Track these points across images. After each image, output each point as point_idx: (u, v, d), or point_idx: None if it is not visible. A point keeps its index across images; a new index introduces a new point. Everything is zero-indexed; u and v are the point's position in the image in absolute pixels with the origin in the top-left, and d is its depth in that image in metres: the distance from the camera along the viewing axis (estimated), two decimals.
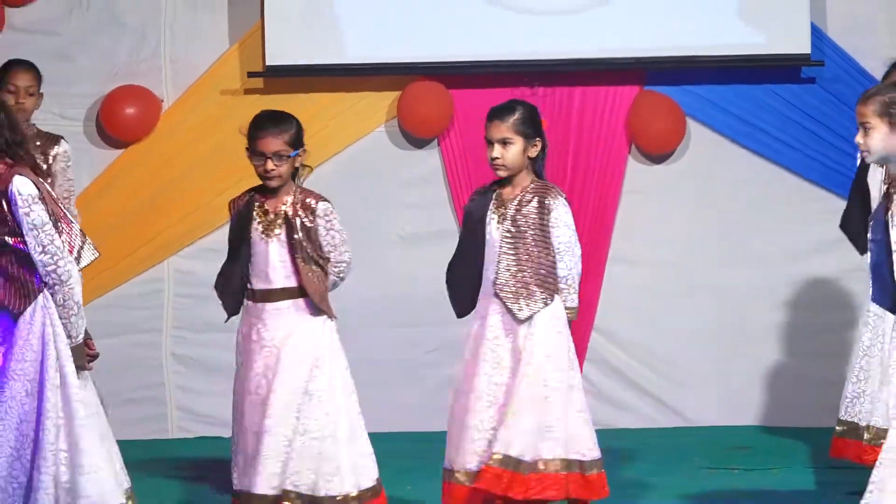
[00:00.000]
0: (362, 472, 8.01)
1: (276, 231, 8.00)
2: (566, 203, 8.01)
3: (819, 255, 10.50)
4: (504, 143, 7.91)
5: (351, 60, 10.51)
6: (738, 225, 10.61)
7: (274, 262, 7.99)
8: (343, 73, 10.54)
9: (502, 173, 7.97)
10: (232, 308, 8.20)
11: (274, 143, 7.94)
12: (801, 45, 10.39)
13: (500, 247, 8.00)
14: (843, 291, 10.49)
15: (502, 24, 10.43)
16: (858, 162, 9.00)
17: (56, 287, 7.10)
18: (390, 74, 10.54)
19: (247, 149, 8.00)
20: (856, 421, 8.92)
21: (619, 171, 10.54)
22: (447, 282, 8.26)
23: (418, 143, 10.59)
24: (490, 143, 7.98)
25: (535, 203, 7.97)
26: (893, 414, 7.12)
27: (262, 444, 7.91)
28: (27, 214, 7.04)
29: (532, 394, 7.94)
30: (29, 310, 7.15)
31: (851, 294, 10.34)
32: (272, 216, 8.06)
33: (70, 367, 7.15)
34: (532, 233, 7.98)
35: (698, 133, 10.60)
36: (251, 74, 10.52)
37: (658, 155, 10.61)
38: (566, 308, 8.00)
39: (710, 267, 10.58)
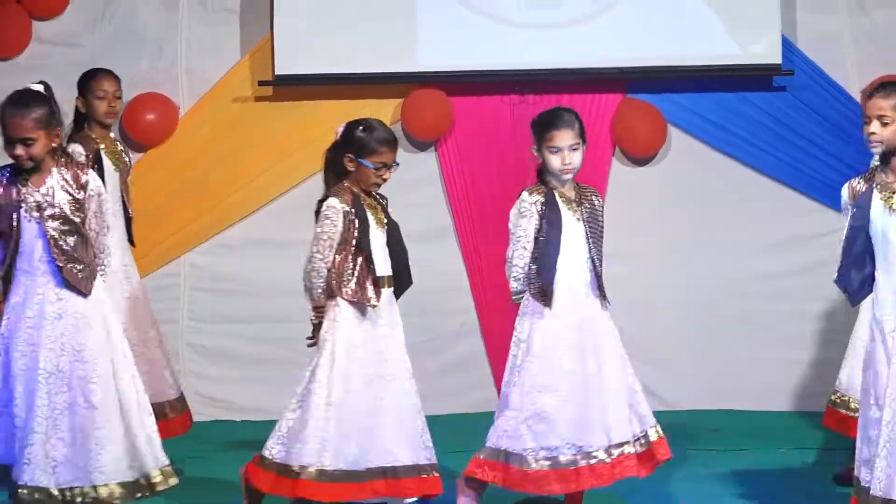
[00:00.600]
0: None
1: None
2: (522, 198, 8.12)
3: (787, 249, 10.53)
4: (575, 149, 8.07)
5: (356, 70, 10.48)
6: (714, 222, 10.61)
7: None
8: (348, 81, 10.52)
9: None
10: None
11: None
12: (772, 56, 10.42)
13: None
14: (810, 283, 10.38)
15: (497, 37, 10.43)
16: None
17: (101, 259, 7.60)
18: (393, 83, 10.56)
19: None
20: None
21: (603, 173, 10.54)
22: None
23: (419, 146, 10.60)
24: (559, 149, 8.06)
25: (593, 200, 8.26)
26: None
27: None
28: (99, 195, 7.53)
29: None
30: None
31: (817, 286, 10.20)
32: None
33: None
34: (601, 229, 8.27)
35: (678, 138, 10.64)
36: (261, 83, 10.51)
37: (641, 158, 10.66)
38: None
39: (688, 261, 10.61)
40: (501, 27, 10.47)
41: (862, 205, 7.44)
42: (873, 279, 7.41)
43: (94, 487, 7.51)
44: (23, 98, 7.50)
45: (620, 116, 10.58)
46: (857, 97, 10.34)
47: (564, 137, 8.02)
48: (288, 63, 10.44)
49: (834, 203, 10.11)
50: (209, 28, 10.62)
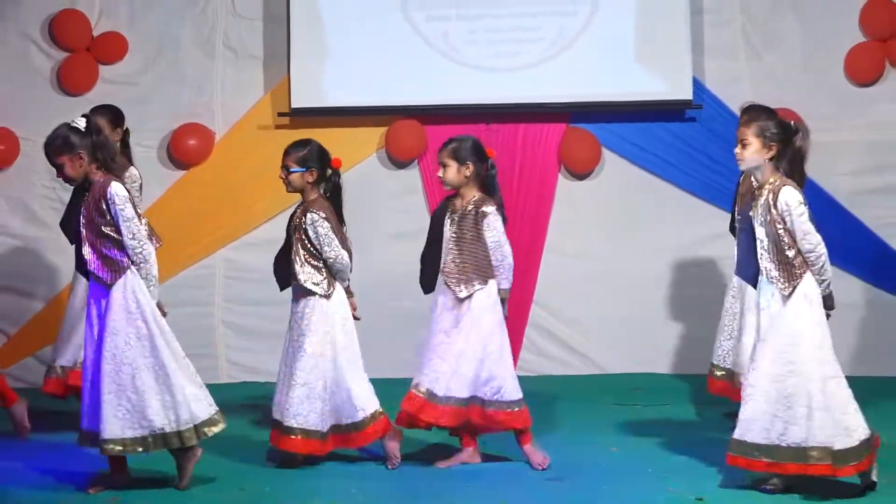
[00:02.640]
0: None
1: None
2: (496, 212, 7.98)
3: (697, 247, 10.56)
4: (444, 165, 8.00)
5: (352, 104, 10.53)
6: (639, 224, 10.64)
7: None
8: (346, 113, 10.54)
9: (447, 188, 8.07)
10: None
11: None
12: (685, 93, 10.43)
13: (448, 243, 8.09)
14: (715, 273, 10.43)
15: (464, 78, 10.50)
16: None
17: (141, 264, 7.39)
18: (380, 115, 10.56)
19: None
20: (732, 368, 8.85)
21: (551, 185, 10.60)
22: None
23: (401, 164, 10.66)
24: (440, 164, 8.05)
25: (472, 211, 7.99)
26: (749, 361, 7.46)
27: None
28: (122, 210, 7.32)
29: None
30: (119, 281, 7.37)
31: (721, 275, 10.28)
32: None
33: (161, 319, 7.48)
34: (471, 234, 8.00)
35: (610, 158, 10.65)
36: (280, 114, 10.55)
37: (581, 174, 10.67)
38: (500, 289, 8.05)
39: (618, 256, 10.60)
40: (468, 70, 10.51)
41: (744, 214, 7.60)
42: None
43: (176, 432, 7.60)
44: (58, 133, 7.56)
45: (565, 142, 10.59)
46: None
47: (441, 156, 8.07)
48: (301, 99, 10.50)
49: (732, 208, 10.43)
50: (238, 71, 10.66)
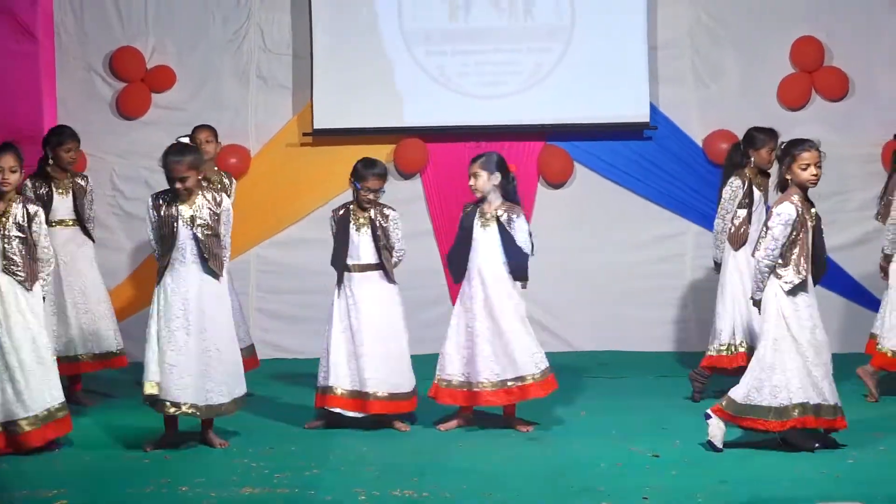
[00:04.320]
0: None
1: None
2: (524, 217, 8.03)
3: (653, 244, 10.53)
4: (475, 175, 8.01)
5: (366, 125, 10.48)
6: (605, 226, 10.60)
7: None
8: (361, 133, 10.46)
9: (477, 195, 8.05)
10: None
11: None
12: (643, 116, 10.39)
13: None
14: (668, 267, 10.48)
15: (458, 104, 10.47)
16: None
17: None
18: (389, 134, 10.51)
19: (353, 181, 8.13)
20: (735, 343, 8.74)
21: (532, 194, 10.54)
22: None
23: (406, 176, 10.61)
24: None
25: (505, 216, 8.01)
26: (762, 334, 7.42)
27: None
28: (230, 216, 7.67)
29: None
30: (224, 271, 7.70)
31: (675, 270, 10.35)
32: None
33: None
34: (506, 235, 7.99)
35: (581, 171, 10.62)
36: (305, 134, 10.50)
37: (556, 184, 10.64)
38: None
39: (587, 252, 10.58)
40: (462, 97, 10.49)
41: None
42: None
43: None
44: (180, 148, 7.57)
45: (542, 157, 10.58)
46: (700, 145, 10.42)
47: (473, 168, 8.05)
48: (322, 121, 10.46)
49: (684, 213, 10.37)
50: (269, 97, 10.61)
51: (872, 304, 9.62)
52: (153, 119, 10.44)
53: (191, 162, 7.50)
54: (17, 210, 7.54)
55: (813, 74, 10.53)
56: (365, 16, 10.51)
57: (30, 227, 7.55)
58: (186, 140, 7.67)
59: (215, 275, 7.62)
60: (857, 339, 9.65)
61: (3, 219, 7.52)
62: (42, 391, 7.55)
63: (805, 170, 7.34)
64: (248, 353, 9.16)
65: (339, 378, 8.11)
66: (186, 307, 7.56)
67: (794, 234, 7.29)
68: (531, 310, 10.29)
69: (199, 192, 7.61)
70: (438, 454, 7.66)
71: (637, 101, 10.46)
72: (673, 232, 10.56)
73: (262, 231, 10.66)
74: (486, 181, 8.02)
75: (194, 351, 7.58)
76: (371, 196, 8.08)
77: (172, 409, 7.59)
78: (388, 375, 8.11)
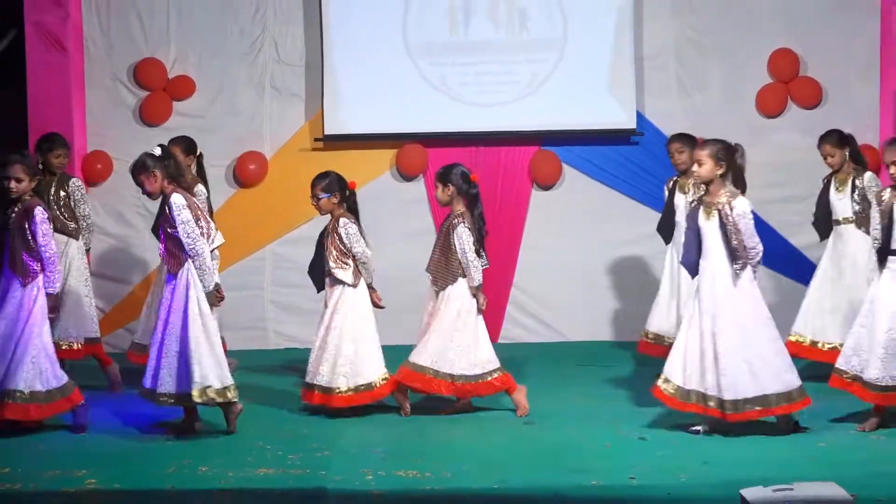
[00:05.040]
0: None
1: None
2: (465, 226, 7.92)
3: (638, 242, 10.46)
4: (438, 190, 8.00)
5: (371, 132, 10.47)
6: (594, 224, 10.57)
7: None
8: (367, 138, 10.46)
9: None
10: None
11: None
12: (631, 123, 10.42)
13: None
14: (653, 262, 10.29)
15: (458, 111, 10.47)
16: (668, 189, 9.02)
17: (194, 258, 7.44)
18: (392, 140, 10.51)
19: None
20: (662, 334, 9.03)
21: (526, 195, 10.58)
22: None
23: (409, 179, 10.62)
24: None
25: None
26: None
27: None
28: (178, 215, 7.41)
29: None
30: (180, 271, 7.45)
31: (661, 266, 9.83)
32: None
33: (204, 304, 7.48)
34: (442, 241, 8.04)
35: (571, 173, 10.61)
36: (316, 139, 10.49)
37: (548, 185, 10.61)
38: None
39: (578, 249, 10.55)
40: (461, 105, 10.50)
41: (692, 214, 7.54)
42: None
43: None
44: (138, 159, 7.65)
45: (535, 160, 10.57)
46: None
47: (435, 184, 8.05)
48: (332, 127, 10.46)
49: None
50: (283, 106, 10.59)
51: None
52: (174, 125, 10.37)
53: (139, 169, 7.61)
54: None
55: (789, 84, 10.56)
56: (372, 30, 10.51)
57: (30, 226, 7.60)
58: (159, 151, 7.66)
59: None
60: None
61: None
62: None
63: None
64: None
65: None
66: (165, 302, 7.60)
67: None
68: (527, 303, 10.46)
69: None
70: (440, 437, 7.67)
71: (625, 109, 10.49)
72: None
73: (277, 230, 10.67)
74: (441, 192, 8.07)
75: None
76: (314, 203, 8.13)
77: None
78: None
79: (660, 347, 8.99)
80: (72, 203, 8.91)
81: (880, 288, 7.55)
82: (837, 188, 8.82)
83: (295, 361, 9.67)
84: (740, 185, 7.47)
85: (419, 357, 8.03)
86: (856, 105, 10.44)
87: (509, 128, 10.54)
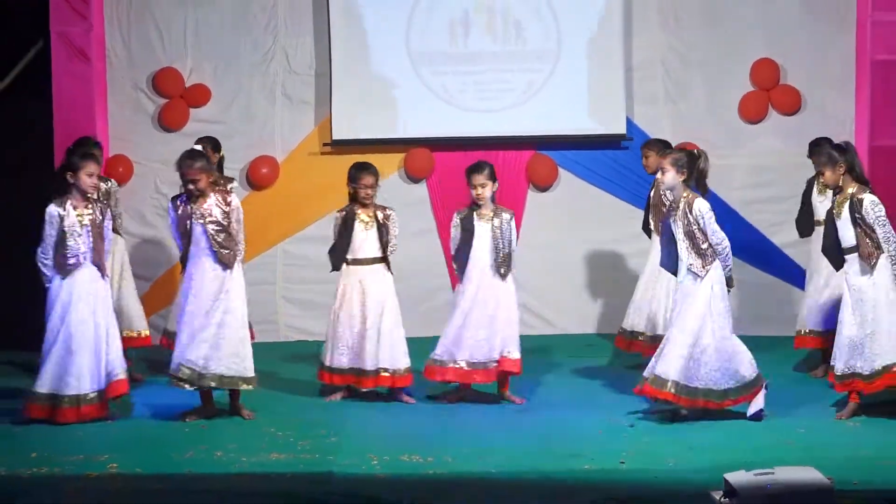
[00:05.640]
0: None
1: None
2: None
3: (628, 240, 10.35)
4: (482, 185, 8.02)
5: (378, 136, 10.44)
6: (585, 223, 10.53)
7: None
8: (374, 143, 10.40)
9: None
10: None
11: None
12: (620, 128, 10.39)
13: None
14: (644, 260, 9.72)
15: (459, 118, 10.44)
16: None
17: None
18: (399, 145, 10.49)
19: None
20: (637, 330, 9.01)
21: (523, 196, 10.55)
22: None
23: (415, 181, 10.58)
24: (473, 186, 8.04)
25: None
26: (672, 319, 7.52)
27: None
28: (240, 215, 7.71)
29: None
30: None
31: (644, 263, 9.74)
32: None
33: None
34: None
35: (565, 176, 10.60)
36: (325, 144, 10.46)
37: (544, 187, 10.59)
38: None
39: (571, 246, 10.55)
40: (462, 112, 10.47)
41: (665, 222, 7.58)
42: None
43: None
44: (191, 153, 7.69)
45: (531, 164, 10.55)
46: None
47: (478, 178, 8.07)
48: (340, 133, 10.43)
49: None
50: (293, 112, 10.55)
51: None
52: (191, 131, 10.30)
53: (202, 166, 7.58)
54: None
55: (770, 92, 10.51)
56: (377, 41, 10.48)
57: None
58: (199, 147, 7.71)
59: (225, 265, 7.65)
60: None
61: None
62: None
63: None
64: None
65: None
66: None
67: None
68: (524, 298, 10.37)
69: (211, 193, 7.66)
70: (441, 424, 7.69)
71: (615, 115, 10.46)
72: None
73: (288, 229, 10.64)
74: (491, 190, 8.12)
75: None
76: (370, 192, 8.07)
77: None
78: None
79: (633, 343, 9.04)
80: (112, 202, 8.93)
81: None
82: (820, 191, 8.77)
83: (305, 353, 9.65)
84: (702, 188, 7.49)
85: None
86: (832, 111, 10.42)
87: (506, 133, 10.51)
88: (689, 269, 7.42)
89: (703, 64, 10.56)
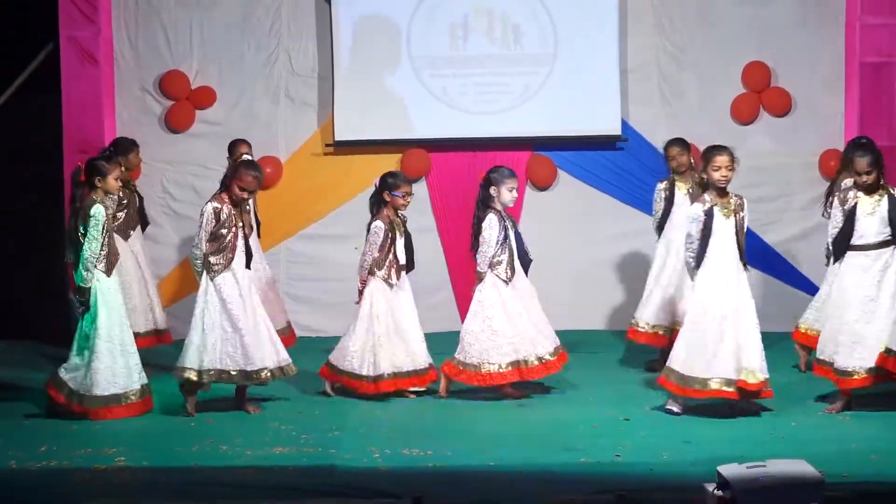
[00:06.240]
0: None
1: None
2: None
3: (623, 239, 10.44)
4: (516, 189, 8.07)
5: (378, 137, 10.42)
6: (582, 222, 10.50)
7: None
8: (374, 144, 10.39)
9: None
10: None
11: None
12: (616, 129, 10.36)
13: None
14: (637, 258, 10.32)
15: (457, 119, 10.41)
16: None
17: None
18: (398, 145, 10.45)
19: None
20: (651, 322, 8.86)
21: (521, 196, 10.07)
22: None
23: (413, 181, 9.83)
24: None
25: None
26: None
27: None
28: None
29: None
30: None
31: (643, 260, 10.09)
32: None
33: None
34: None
35: (563, 176, 10.56)
36: (327, 145, 10.43)
37: (542, 187, 10.56)
38: None
39: (567, 244, 10.47)
40: (461, 113, 10.45)
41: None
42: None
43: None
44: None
45: (530, 164, 10.51)
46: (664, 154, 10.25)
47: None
48: (342, 134, 10.41)
49: (650, 211, 10.00)
50: (296, 114, 10.51)
51: (812, 289, 9.61)
52: (197, 132, 10.40)
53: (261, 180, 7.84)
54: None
55: (761, 94, 10.47)
56: (379, 44, 10.45)
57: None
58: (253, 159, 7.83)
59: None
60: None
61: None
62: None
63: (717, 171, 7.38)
64: (286, 332, 9.22)
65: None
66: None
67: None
68: None
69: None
70: (441, 418, 7.69)
71: (610, 117, 10.44)
72: (640, 228, 10.23)
73: (291, 227, 10.63)
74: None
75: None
76: (409, 200, 8.14)
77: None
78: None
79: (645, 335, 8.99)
80: (136, 201, 9.07)
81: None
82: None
83: (307, 349, 9.61)
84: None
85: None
86: (822, 113, 10.39)
87: (504, 134, 10.48)
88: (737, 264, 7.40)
89: (697, 66, 10.52)
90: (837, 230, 7.64)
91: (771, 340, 9.31)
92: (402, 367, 8.09)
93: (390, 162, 10.47)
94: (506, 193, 8.02)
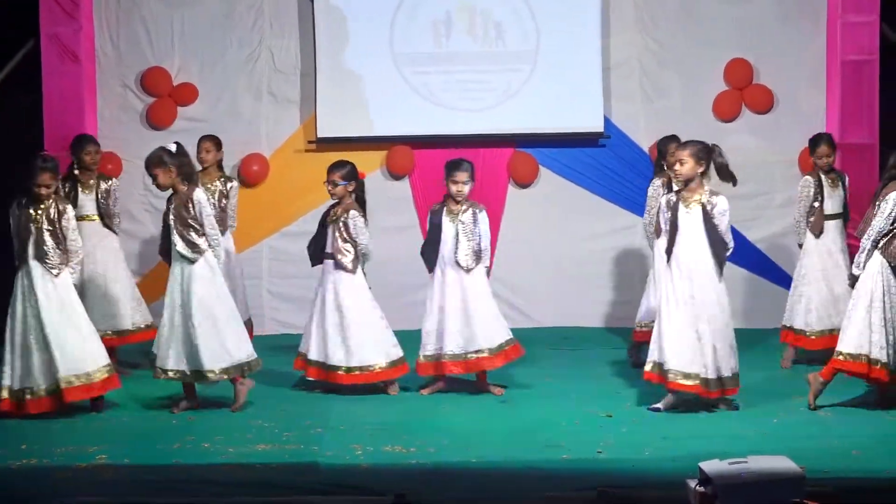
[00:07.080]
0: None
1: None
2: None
3: (604, 236, 10.48)
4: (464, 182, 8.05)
5: (361, 134, 10.39)
6: (565, 219, 10.50)
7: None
8: (357, 140, 10.35)
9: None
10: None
11: None
12: (598, 126, 10.35)
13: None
14: (619, 254, 10.42)
15: (440, 116, 10.39)
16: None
17: (214, 247, 7.60)
18: (381, 142, 10.43)
19: None
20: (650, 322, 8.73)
21: (503, 192, 10.52)
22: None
23: (396, 178, 10.53)
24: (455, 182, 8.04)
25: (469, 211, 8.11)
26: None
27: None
28: (202, 210, 7.52)
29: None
30: (200, 258, 7.56)
31: (625, 257, 10.30)
32: None
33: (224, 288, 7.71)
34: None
35: (545, 173, 10.55)
36: (310, 142, 10.41)
37: (524, 184, 10.56)
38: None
39: (550, 242, 10.50)
40: (443, 110, 10.42)
41: (670, 207, 7.50)
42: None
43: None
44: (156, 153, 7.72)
45: (512, 161, 10.51)
46: (647, 151, 10.24)
47: (461, 176, 8.04)
48: (325, 130, 10.38)
49: (632, 209, 10.30)
50: (279, 111, 10.48)
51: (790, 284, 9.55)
52: (179, 129, 10.29)
53: (155, 162, 7.66)
54: (49, 207, 7.65)
55: (743, 91, 10.49)
56: (361, 41, 10.42)
57: (59, 221, 7.64)
58: (173, 147, 7.71)
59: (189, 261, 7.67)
60: (777, 314, 9.51)
61: (38, 215, 7.61)
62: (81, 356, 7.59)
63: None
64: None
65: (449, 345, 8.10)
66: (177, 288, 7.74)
67: None
68: (503, 291, 10.37)
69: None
70: (424, 415, 7.66)
71: (593, 114, 10.44)
72: (623, 225, 10.52)
73: (273, 225, 10.61)
74: (470, 187, 8.13)
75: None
76: (329, 188, 8.15)
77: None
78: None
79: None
80: (110, 200, 8.97)
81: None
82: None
83: (290, 346, 9.53)
84: (730, 179, 7.44)
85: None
86: (804, 110, 10.40)
87: (487, 131, 10.48)
88: (698, 262, 7.35)
89: (679, 63, 10.53)
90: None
91: (752, 337, 9.41)
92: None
93: (374, 158, 10.49)
94: (450, 186, 8.08)
